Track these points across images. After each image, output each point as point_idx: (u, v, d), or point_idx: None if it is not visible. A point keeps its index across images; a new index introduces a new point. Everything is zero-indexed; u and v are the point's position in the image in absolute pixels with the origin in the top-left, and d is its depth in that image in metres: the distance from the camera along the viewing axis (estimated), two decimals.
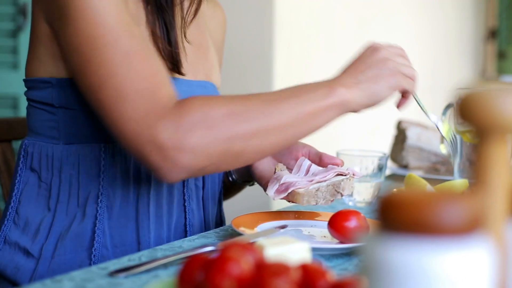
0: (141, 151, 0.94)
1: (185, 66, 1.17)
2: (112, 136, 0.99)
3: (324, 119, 1.02)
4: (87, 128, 1.07)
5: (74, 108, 1.07)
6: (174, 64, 1.11)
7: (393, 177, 1.69)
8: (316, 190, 1.07)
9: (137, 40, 0.98)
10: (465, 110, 0.52)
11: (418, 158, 1.72)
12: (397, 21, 2.98)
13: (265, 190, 1.13)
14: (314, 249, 0.95)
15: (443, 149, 1.59)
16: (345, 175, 1.11)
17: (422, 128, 1.74)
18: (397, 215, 0.46)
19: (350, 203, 1.38)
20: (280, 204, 2.15)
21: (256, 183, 1.26)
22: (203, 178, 1.21)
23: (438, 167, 1.66)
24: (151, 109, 0.94)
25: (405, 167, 1.74)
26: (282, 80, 2.20)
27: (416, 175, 1.37)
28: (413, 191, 0.48)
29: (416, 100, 1.15)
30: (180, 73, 1.12)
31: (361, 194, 1.38)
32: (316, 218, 1.17)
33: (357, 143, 2.67)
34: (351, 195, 1.37)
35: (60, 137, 1.08)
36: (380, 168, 1.38)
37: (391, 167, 1.75)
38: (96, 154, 1.08)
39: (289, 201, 1.09)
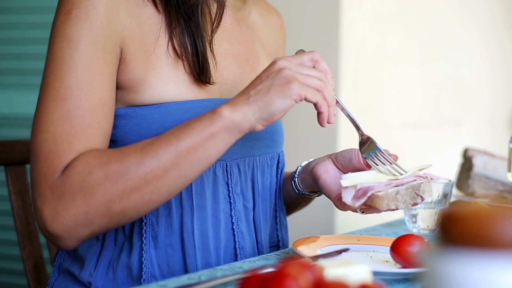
0: (36, 215, 1.01)
1: (230, 85, 1.17)
2: None
3: (214, 148, 0.98)
4: None
5: (113, 139, 1.09)
6: (200, 74, 1.10)
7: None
8: (396, 193, 1.03)
9: (79, 101, 1.00)
10: None
11: (485, 186, 1.68)
12: (468, 45, 2.94)
13: (334, 203, 1.11)
14: (375, 273, 0.93)
15: (510, 178, 1.55)
16: (424, 179, 1.07)
17: (489, 157, 1.70)
18: (461, 229, 0.44)
19: (414, 230, 1.36)
20: (342, 227, 2.13)
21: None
22: (254, 197, 1.19)
23: (506, 196, 1.62)
24: (47, 177, 0.98)
25: (471, 195, 1.70)
26: (347, 106, 2.18)
27: (482, 202, 1.34)
28: (476, 205, 0.46)
29: (346, 114, 1.11)
30: (208, 82, 1.11)
31: (425, 221, 1.35)
32: (378, 243, 1.16)
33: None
34: (415, 221, 1.35)
35: None
36: (445, 195, 1.35)
37: (456, 194, 1.71)
38: None
39: (363, 211, 1.06)
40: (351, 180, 1.06)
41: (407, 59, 2.53)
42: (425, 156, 2.66)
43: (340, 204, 1.09)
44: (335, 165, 1.15)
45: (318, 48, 2.19)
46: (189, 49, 1.09)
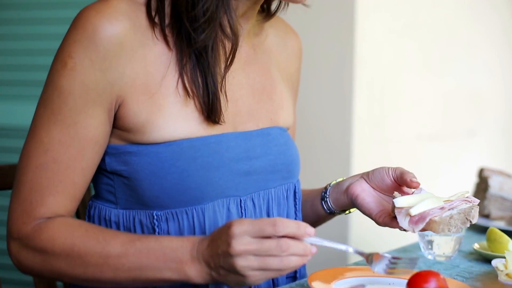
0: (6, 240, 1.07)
1: (245, 116, 1.15)
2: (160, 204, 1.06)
3: (158, 283, 1.03)
4: (139, 196, 1.08)
5: (126, 176, 1.08)
6: (210, 113, 1.08)
7: (474, 227, 1.64)
8: (450, 218, 1.05)
9: (57, 155, 1.04)
10: None
11: (501, 208, 1.67)
12: (481, 57, 2.93)
13: (376, 220, 1.13)
14: None
15: None
16: (470, 202, 1.09)
17: (504, 177, 1.69)
18: None
19: (430, 257, 1.34)
20: (357, 243, 2.11)
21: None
22: None
23: None
24: (19, 223, 1.05)
25: (487, 216, 1.68)
26: (360, 120, 2.17)
27: (497, 229, 1.33)
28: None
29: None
30: (217, 122, 1.09)
31: (441, 248, 1.34)
32: (394, 276, 1.14)
33: (437, 188, 2.61)
34: (431, 248, 1.34)
35: (117, 201, 1.10)
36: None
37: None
38: (150, 220, 1.08)
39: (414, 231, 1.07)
40: (403, 201, 1.08)
41: (421, 71, 2.51)
42: (439, 167, 2.65)
43: (382, 221, 1.11)
44: (369, 184, 1.17)
45: (333, 61, 2.18)
46: (200, 87, 1.07)
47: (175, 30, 1.08)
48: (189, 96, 1.08)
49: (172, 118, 1.07)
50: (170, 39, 1.08)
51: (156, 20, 1.07)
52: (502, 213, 1.67)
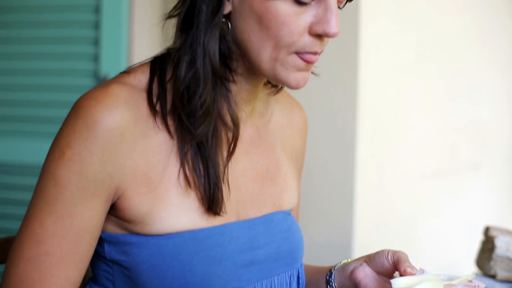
0: None
1: (248, 203, 1.12)
2: None
3: None
4: (138, 286, 1.04)
5: (126, 266, 1.05)
6: (211, 204, 1.04)
7: None
8: None
9: (51, 248, 1.00)
10: None
11: (507, 268, 1.63)
12: (486, 88, 2.90)
13: None
14: None
15: None
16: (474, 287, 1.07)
17: (511, 237, 1.66)
18: None
19: None
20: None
21: None
22: None
23: None
24: None
25: (493, 277, 1.65)
26: (364, 162, 2.14)
27: None
28: None
29: None
30: (218, 214, 1.06)
31: None
32: None
33: (439, 225, 2.58)
34: None
35: None
36: None
37: (476, 274, 1.67)
38: None
39: None
40: (401, 282, 1.05)
41: (426, 108, 2.48)
42: (442, 203, 2.62)
43: None
44: (371, 268, 1.16)
45: (336, 103, 2.15)
46: (202, 177, 1.04)
47: (176, 117, 1.05)
48: (190, 187, 1.04)
49: (174, 209, 1.03)
50: (171, 126, 1.05)
51: (158, 108, 1.04)
52: (509, 274, 1.63)
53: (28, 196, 2.74)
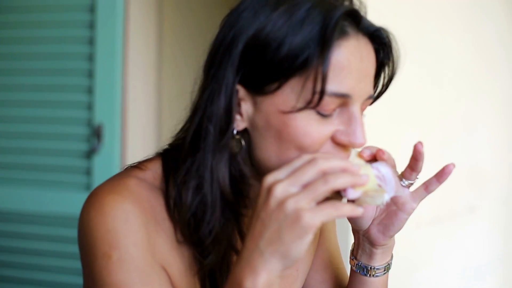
0: None
1: None
2: None
3: None
4: None
5: None
6: None
7: None
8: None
9: None
10: None
11: None
12: (481, 132, 2.90)
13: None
14: None
15: None
16: None
17: None
18: None
19: None
20: None
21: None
22: None
23: None
24: None
25: None
26: None
27: None
28: None
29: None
30: None
31: None
32: None
33: (436, 274, 2.57)
34: None
35: None
36: None
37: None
38: None
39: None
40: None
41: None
42: (439, 249, 2.62)
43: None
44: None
45: None
46: None
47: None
48: None
49: None
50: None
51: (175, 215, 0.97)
52: None
53: (27, 244, 2.74)
